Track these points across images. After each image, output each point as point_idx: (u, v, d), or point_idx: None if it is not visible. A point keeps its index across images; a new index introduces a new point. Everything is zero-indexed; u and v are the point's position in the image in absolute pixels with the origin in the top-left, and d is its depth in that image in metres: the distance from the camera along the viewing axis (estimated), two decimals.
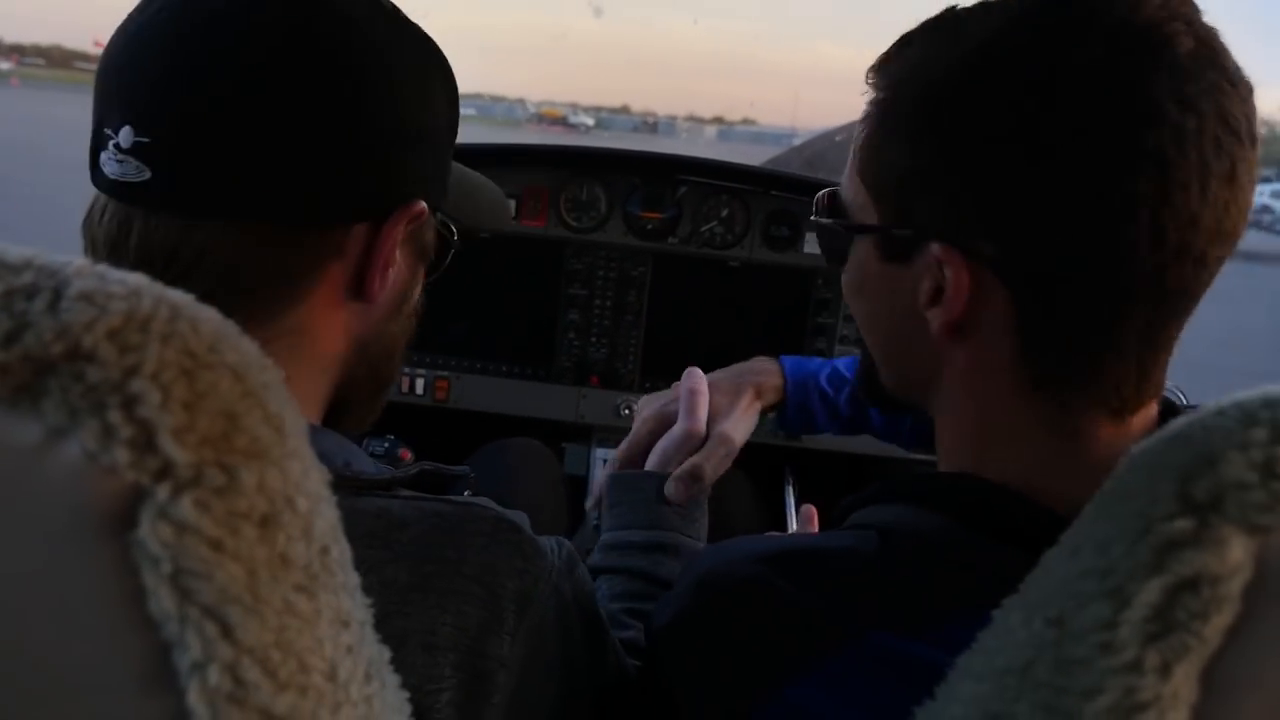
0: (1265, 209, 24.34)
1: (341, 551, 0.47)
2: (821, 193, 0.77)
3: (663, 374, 2.04)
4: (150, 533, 0.38)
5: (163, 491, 0.38)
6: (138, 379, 0.38)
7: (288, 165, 0.64)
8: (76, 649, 0.40)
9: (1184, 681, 0.42)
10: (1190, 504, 0.42)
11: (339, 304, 0.71)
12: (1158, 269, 0.57)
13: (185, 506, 0.38)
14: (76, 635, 0.40)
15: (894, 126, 0.66)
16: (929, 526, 0.66)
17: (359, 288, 0.71)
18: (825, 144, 2.55)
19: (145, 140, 0.62)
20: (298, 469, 0.43)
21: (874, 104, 0.68)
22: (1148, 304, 0.59)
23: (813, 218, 0.78)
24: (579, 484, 2.07)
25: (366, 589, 0.61)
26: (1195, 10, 0.59)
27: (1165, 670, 0.42)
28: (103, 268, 0.41)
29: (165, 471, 0.38)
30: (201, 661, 0.39)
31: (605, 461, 2.06)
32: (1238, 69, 0.58)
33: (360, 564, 0.62)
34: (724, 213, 1.95)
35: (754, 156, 2.71)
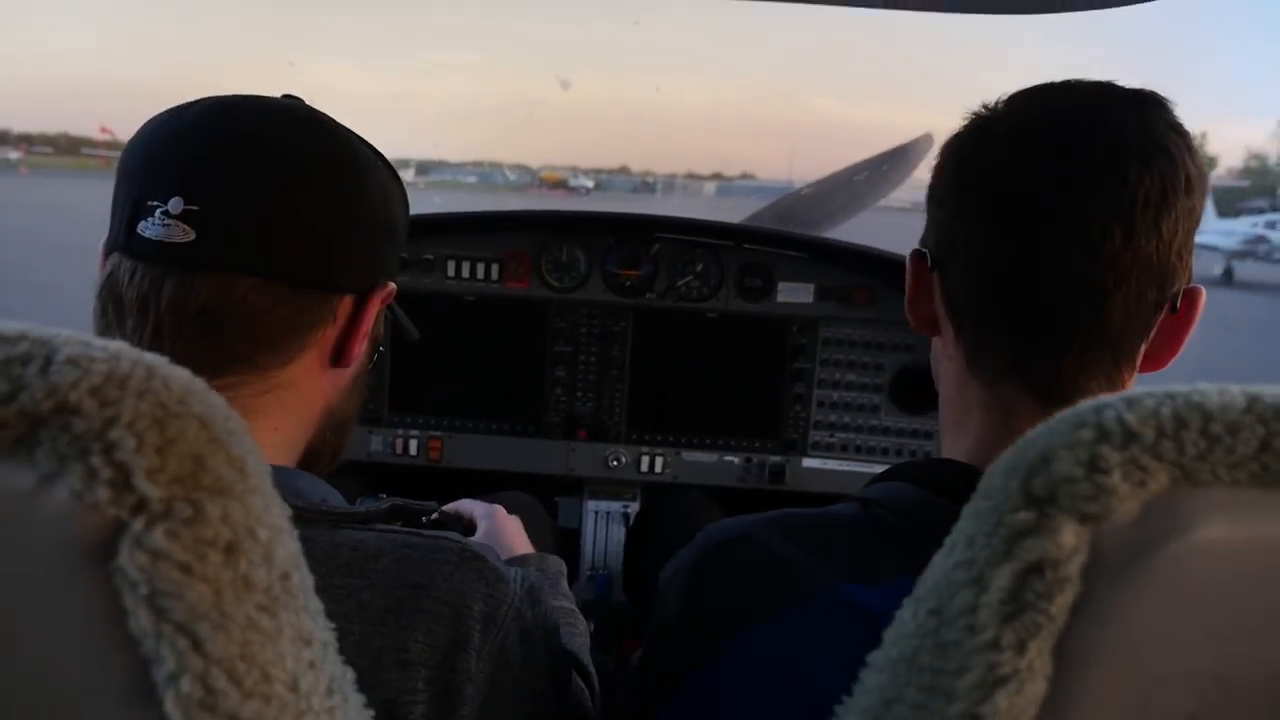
0: (1260, 239, 24.38)
1: (303, 578, 0.53)
2: None
3: (648, 425, 2.10)
4: (128, 559, 0.44)
5: (138, 523, 0.44)
6: (116, 428, 0.44)
7: (309, 238, 0.78)
8: (68, 667, 0.46)
9: (1038, 656, 0.47)
10: (1031, 498, 0.48)
11: (323, 368, 0.85)
12: (1026, 279, 0.78)
13: (158, 536, 0.44)
14: (68, 654, 0.46)
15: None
16: (903, 496, 0.80)
17: (340, 353, 0.85)
18: (794, 199, 2.66)
19: (195, 208, 0.75)
20: (259, 504, 0.49)
21: None
22: (1032, 305, 0.79)
23: None
24: (571, 536, 2.12)
25: (346, 613, 0.69)
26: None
27: (1021, 647, 0.47)
28: (88, 336, 0.48)
29: (140, 506, 0.44)
30: (175, 673, 0.45)
31: (597, 514, 2.13)
32: (1114, 158, 0.77)
33: (339, 590, 0.70)
34: (698, 267, 2.03)
35: (752, 210, 2.83)
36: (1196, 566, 0.46)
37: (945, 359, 0.88)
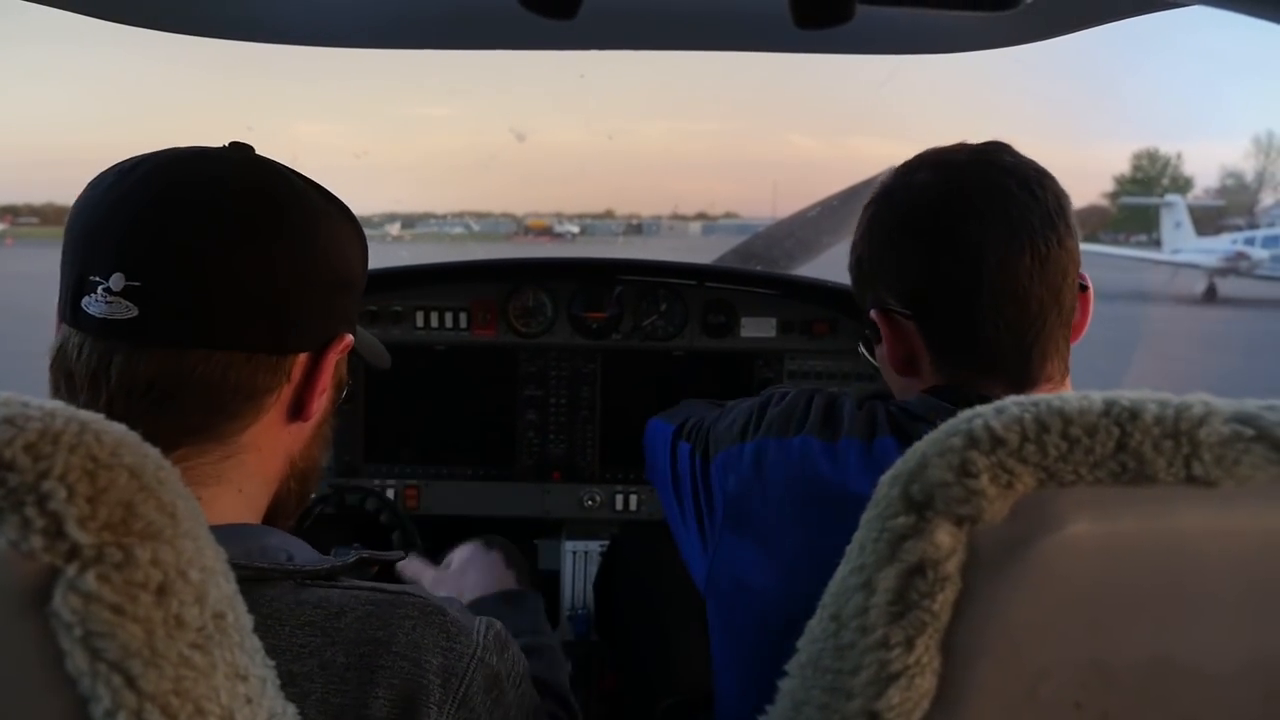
0: (1241, 255, 24.37)
1: (239, 617, 0.56)
2: None
3: (620, 464, 2.13)
4: (62, 603, 0.47)
5: (72, 569, 0.47)
6: (48, 480, 0.48)
7: (256, 304, 0.77)
8: (9, 707, 0.49)
9: (926, 652, 0.50)
10: (910, 503, 0.51)
11: (282, 425, 0.84)
12: (991, 303, 0.93)
13: (89, 580, 0.47)
14: (9, 695, 0.49)
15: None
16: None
17: (299, 408, 0.84)
18: (754, 240, 2.74)
19: (136, 284, 0.74)
20: (191, 547, 0.52)
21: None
22: (995, 320, 0.93)
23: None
24: (553, 578, 2.13)
25: (308, 671, 0.71)
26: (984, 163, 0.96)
27: (909, 644, 0.50)
28: (27, 397, 0.51)
29: (73, 553, 0.47)
30: (111, 709, 0.48)
31: (574, 554, 2.14)
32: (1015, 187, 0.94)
33: (302, 649, 0.72)
34: (662, 307, 2.07)
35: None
36: (1065, 561, 0.50)
37: (918, 383, 1.00)
